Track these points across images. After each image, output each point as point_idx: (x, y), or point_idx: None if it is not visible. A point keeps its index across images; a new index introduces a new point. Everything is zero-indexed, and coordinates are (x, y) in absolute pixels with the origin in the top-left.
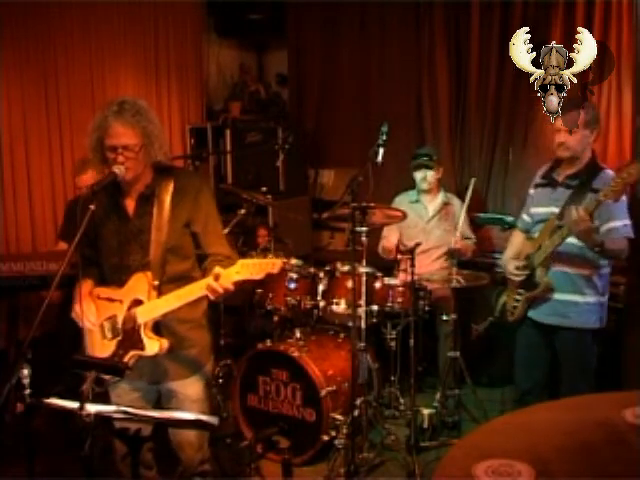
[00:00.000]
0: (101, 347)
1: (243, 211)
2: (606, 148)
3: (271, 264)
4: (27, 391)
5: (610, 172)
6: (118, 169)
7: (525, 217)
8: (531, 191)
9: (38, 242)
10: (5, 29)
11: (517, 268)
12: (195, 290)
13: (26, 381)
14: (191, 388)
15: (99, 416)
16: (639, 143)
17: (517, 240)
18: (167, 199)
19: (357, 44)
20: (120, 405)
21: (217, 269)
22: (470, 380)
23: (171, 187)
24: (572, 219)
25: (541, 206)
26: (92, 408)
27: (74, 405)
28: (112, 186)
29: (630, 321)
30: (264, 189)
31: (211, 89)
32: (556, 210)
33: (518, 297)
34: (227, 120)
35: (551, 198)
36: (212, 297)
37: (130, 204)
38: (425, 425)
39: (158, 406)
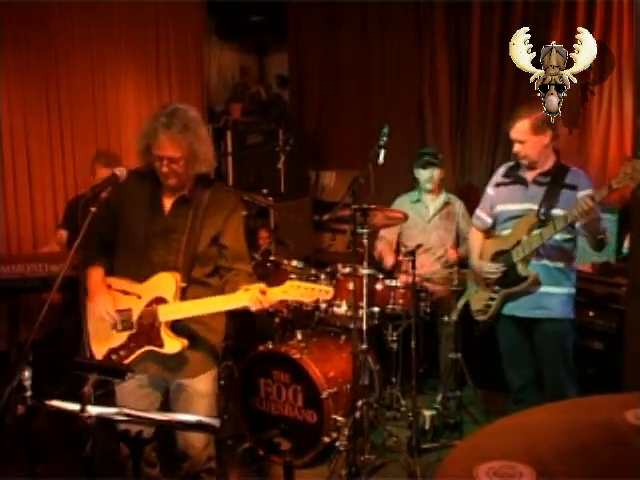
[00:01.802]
0: (109, 337)
1: (244, 213)
2: (607, 149)
3: (325, 292)
4: (28, 393)
5: (579, 170)
6: (119, 171)
7: (484, 216)
8: (491, 191)
9: (39, 244)
10: (6, 34)
11: (493, 266)
12: (235, 300)
13: (27, 383)
14: (201, 384)
15: (101, 418)
16: None
17: (478, 240)
18: (203, 207)
19: (358, 45)
20: (127, 403)
21: (263, 285)
22: (471, 381)
23: (209, 197)
24: (582, 209)
25: (513, 203)
26: (93, 410)
27: (75, 407)
28: (154, 179)
29: (631, 323)
30: (265, 191)
31: (212, 91)
32: (533, 206)
33: (493, 295)
34: (228, 122)
35: (526, 195)
36: (254, 309)
37: (168, 202)
38: (426, 427)
39: (167, 400)
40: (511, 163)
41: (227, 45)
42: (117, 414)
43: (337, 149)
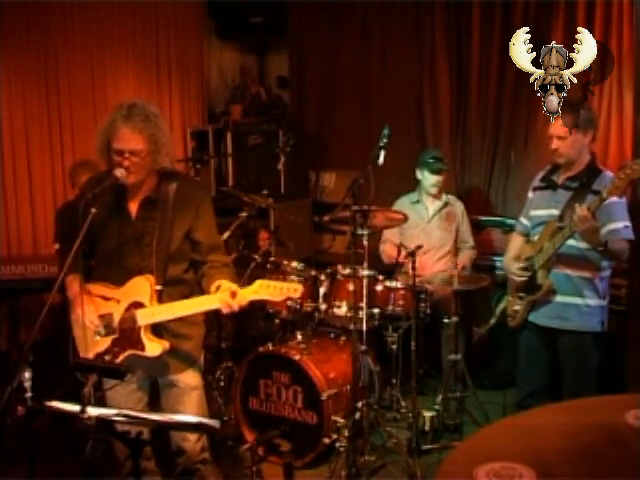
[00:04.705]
0: (93, 343)
1: (244, 214)
2: (607, 149)
3: (292, 289)
4: (28, 394)
5: (610, 174)
6: (119, 172)
7: (524, 221)
8: (530, 195)
9: (39, 244)
10: (6, 32)
11: (520, 269)
12: (207, 303)
13: (27, 384)
14: (190, 378)
15: (100, 419)
16: None
17: (516, 243)
18: (170, 204)
19: (358, 46)
20: (116, 400)
21: (234, 286)
22: (472, 383)
23: (175, 193)
24: (575, 218)
25: (541, 209)
26: (93, 411)
27: (75, 408)
28: (117, 187)
29: (632, 323)
30: (265, 192)
31: (212, 92)
32: (556, 212)
33: (519, 301)
34: (228, 123)
35: (551, 200)
36: (225, 312)
37: (133, 206)
38: (426, 428)
39: (155, 396)
40: (550, 166)
41: (227, 46)
42: (117, 415)
43: (337, 150)
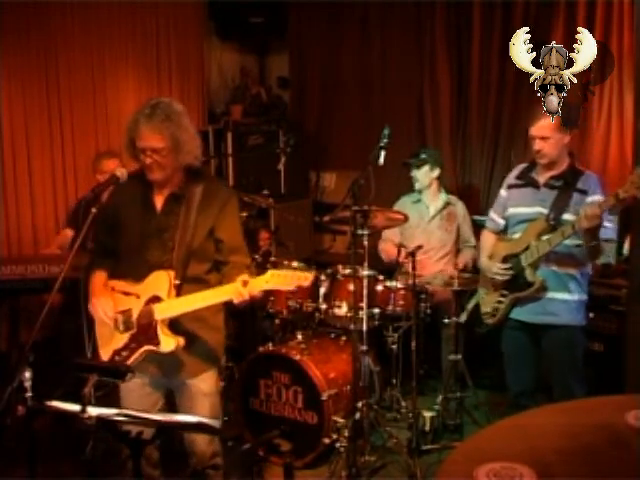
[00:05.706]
0: (112, 339)
1: (244, 214)
2: (607, 151)
3: (303, 277)
4: (29, 394)
5: (592, 174)
6: (120, 172)
7: (496, 218)
8: (503, 192)
9: (39, 244)
10: (6, 31)
11: (503, 269)
12: (220, 294)
13: (28, 384)
14: (204, 383)
15: (101, 419)
16: None
17: (489, 241)
18: (196, 202)
19: (358, 46)
20: (130, 402)
21: (246, 276)
22: (472, 383)
23: (201, 191)
24: (586, 215)
25: (523, 206)
26: (94, 411)
27: (76, 408)
28: (143, 180)
29: (632, 324)
30: (265, 192)
31: (212, 92)
32: (543, 210)
33: (501, 299)
34: (228, 123)
35: (536, 199)
36: (237, 302)
37: (159, 200)
38: (427, 428)
39: (170, 399)
40: (524, 165)
41: (227, 46)
42: (117, 415)
43: (337, 150)
